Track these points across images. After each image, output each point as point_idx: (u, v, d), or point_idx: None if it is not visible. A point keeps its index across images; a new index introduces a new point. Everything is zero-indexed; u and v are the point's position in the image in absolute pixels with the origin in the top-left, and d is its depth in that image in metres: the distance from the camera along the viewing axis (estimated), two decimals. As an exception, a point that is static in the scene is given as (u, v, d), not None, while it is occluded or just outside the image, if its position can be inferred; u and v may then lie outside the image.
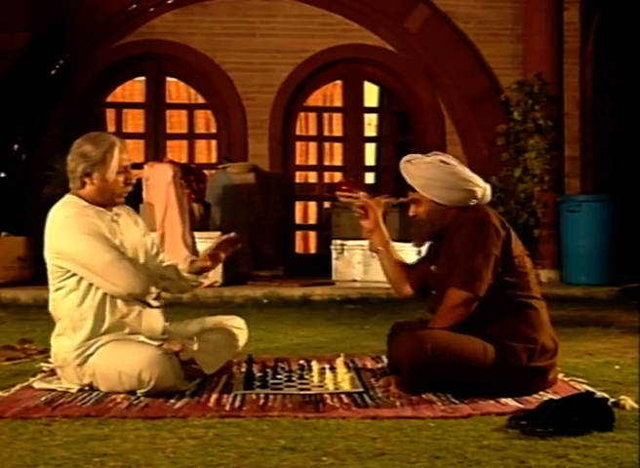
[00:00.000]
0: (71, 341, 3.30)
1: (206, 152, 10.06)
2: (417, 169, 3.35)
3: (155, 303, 3.42)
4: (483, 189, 3.35)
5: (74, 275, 3.31)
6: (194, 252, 7.51)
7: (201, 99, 9.71)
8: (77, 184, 3.39)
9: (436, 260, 3.41)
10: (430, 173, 3.32)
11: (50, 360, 3.89)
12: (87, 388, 3.31)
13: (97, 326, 3.29)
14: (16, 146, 8.74)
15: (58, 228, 3.32)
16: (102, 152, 3.35)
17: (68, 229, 3.29)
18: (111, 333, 3.30)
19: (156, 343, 3.34)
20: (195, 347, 3.50)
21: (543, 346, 3.21)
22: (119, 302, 3.32)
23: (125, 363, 3.19)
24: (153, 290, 3.40)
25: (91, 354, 3.28)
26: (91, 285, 3.30)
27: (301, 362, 3.73)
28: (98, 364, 3.26)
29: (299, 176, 9.97)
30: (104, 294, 3.30)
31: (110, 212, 3.44)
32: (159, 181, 7.59)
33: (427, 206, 3.35)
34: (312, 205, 10.19)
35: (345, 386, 3.30)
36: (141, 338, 3.34)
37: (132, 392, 3.21)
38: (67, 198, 3.42)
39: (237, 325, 3.74)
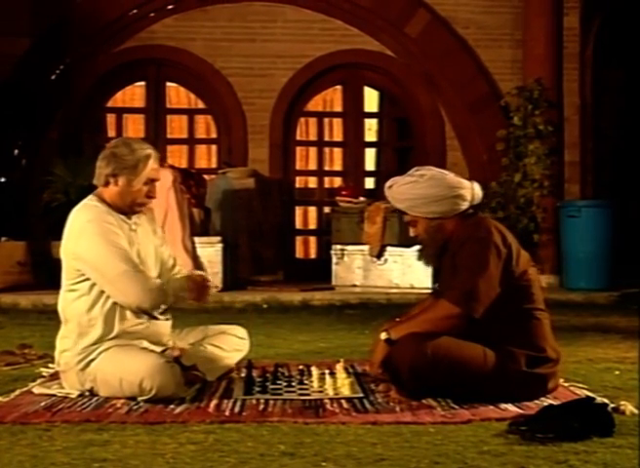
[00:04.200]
0: (75, 346, 3.30)
1: (206, 157, 10.07)
2: (399, 193, 3.35)
3: (162, 317, 3.41)
4: (470, 190, 3.31)
5: (88, 279, 3.30)
6: (194, 257, 7.51)
7: (201, 104, 9.72)
8: (101, 182, 3.39)
9: (438, 278, 3.40)
10: (411, 193, 3.30)
11: (50, 365, 3.90)
12: (87, 393, 3.30)
13: (105, 333, 3.29)
14: (16, 151, 8.75)
15: (77, 231, 3.31)
16: (136, 159, 3.35)
17: (88, 233, 3.28)
18: (116, 339, 3.31)
19: (159, 350, 3.34)
20: (198, 354, 3.50)
21: (545, 355, 3.21)
22: (128, 312, 3.32)
23: (127, 370, 3.18)
24: (163, 306, 3.38)
25: (93, 359, 3.28)
26: (102, 292, 3.29)
27: (301, 367, 3.72)
28: (99, 369, 3.25)
29: (299, 181, 9.98)
30: (114, 303, 3.30)
31: (130, 220, 3.43)
32: (159, 186, 7.45)
33: (423, 224, 3.34)
34: (312, 210, 10.19)
35: (345, 391, 3.29)
36: (145, 344, 3.33)
37: (132, 398, 3.20)
38: (90, 200, 3.41)
39: (239, 334, 3.74)
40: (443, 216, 3.30)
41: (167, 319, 3.48)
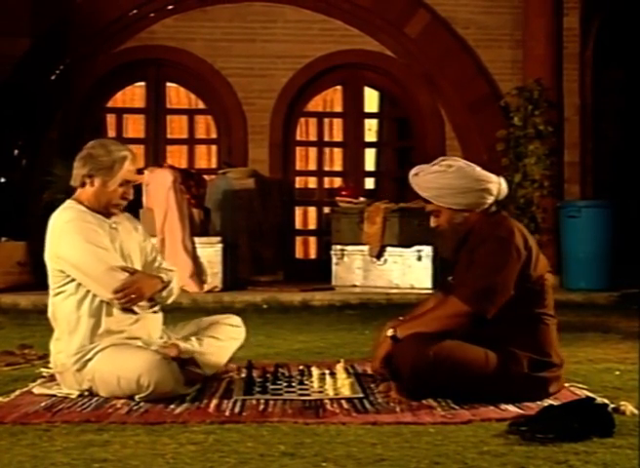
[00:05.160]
0: (69, 346, 3.31)
1: (206, 157, 10.07)
2: (425, 181, 3.30)
3: (149, 310, 3.41)
4: (497, 184, 3.30)
5: (73, 280, 3.33)
6: (194, 257, 7.51)
7: (201, 105, 9.72)
8: (77, 182, 3.42)
9: (453, 271, 3.36)
10: (439, 182, 3.26)
11: (49, 365, 3.90)
12: (86, 393, 3.31)
13: (92, 329, 3.31)
14: (16, 151, 8.75)
15: (58, 232, 3.35)
16: (112, 160, 3.37)
17: (68, 233, 3.32)
18: (109, 338, 3.31)
19: (154, 348, 3.34)
20: (194, 347, 3.49)
21: (548, 359, 3.20)
22: (114, 309, 3.33)
23: (124, 367, 3.19)
24: (144, 302, 3.39)
25: (90, 359, 3.29)
26: (88, 291, 3.31)
27: (301, 367, 3.72)
28: (97, 369, 3.26)
29: (298, 182, 9.98)
30: (101, 300, 3.31)
31: (109, 219, 3.45)
32: (159, 187, 7.59)
33: (447, 214, 3.30)
34: (312, 210, 10.19)
35: (345, 392, 3.29)
36: (140, 344, 3.34)
37: (131, 397, 3.20)
38: (68, 203, 3.45)
39: (234, 323, 3.74)
40: (467, 209, 3.27)
41: (155, 312, 3.48)
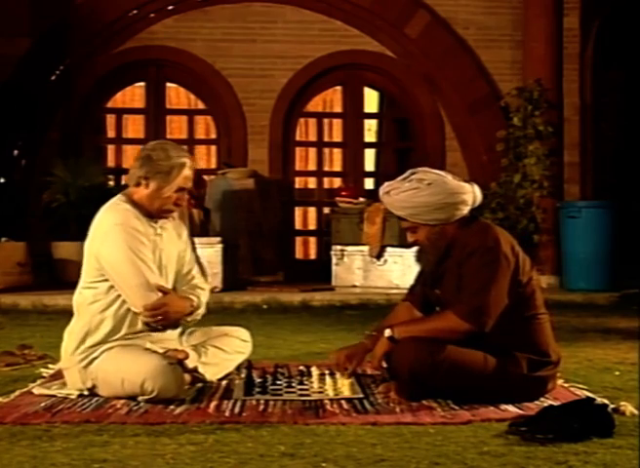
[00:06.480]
0: (82, 344, 3.31)
1: (206, 158, 10.07)
2: (398, 200, 3.22)
3: (160, 327, 3.40)
4: (472, 193, 3.25)
5: (107, 280, 3.30)
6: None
7: (201, 105, 9.72)
8: (133, 182, 3.38)
9: (440, 283, 3.30)
10: (414, 201, 3.18)
11: (50, 365, 3.90)
12: (86, 393, 3.30)
13: (111, 334, 3.30)
14: (16, 152, 8.75)
15: (103, 232, 3.31)
16: (170, 166, 3.33)
17: (113, 237, 3.27)
18: (120, 340, 3.31)
19: (161, 350, 3.33)
20: (199, 357, 3.49)
21: (546, 358, 3.19)
22: (139, 320, 3.32)
23: (129, 370, 3.18)
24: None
25: (96, 357, 3.29)
26: (118, 296, 3.30)
27: (301, 367, 3.73)
28: (101, 368, 3.26)
29: (298, 182, 9.98)
30: (128, 309, 3.31)
31: (156, 224, 3.41)
32: None
33: (424, 231, 3.24)
34: (312, 210, 10.19)
35: (345, 392, 3.29)
36: (148, 345, 3.32)
37: (132, 397, 3.20)
38: (119, 199, 3.40)
39: (242, 336, 3.73)
40: (445, 222, 3.23)
41: (176, 327, 3.48)
